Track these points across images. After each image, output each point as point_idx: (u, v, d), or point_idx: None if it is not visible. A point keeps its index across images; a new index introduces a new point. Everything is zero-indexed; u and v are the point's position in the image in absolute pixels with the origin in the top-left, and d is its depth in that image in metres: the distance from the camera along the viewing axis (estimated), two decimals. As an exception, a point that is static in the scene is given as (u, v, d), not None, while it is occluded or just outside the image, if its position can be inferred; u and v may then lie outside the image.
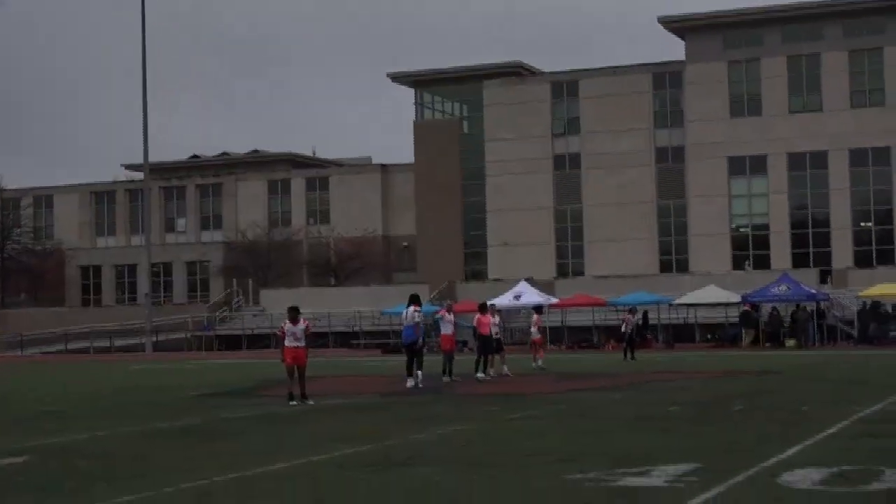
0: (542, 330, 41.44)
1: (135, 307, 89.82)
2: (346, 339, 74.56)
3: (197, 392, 28.91)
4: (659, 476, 11.62)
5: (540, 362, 38.68)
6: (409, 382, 28.18)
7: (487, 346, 32.38)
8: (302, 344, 23.57)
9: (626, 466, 12.37)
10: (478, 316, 32.89)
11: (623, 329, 48.03)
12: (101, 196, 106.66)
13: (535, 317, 41.18)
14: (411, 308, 29.00)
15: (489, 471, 12.45)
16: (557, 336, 67.52)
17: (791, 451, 13.51)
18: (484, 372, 31.81)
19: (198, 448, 15.52)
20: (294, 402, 22.99)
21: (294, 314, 23.85)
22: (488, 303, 38.33)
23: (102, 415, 22.14)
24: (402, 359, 54.19)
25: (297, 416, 20.49)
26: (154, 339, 78.48)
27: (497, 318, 35.49)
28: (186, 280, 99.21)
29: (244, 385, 31.85)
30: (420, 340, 28.98)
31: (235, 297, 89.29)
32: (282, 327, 23.83)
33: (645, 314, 63.68)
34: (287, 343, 23.47)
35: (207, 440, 16.58)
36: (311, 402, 23.15)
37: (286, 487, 11.61)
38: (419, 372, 28.59)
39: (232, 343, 79.33)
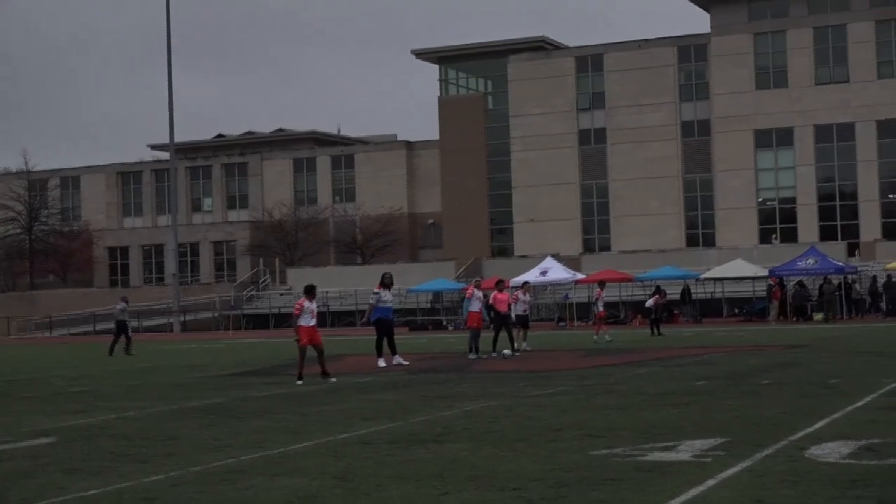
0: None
1: (162, 287, 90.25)
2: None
3: (224, 371, 29.01)
4: (686, 450, 11.59)
5: (607, 336, 39.56)
6: (381, 362, 28.19)
7: (504, 323, 32.23)
8: (315, 322, 23.34)
9: (653, 441, 12.34)
10: (494, 293, 32.77)
11: (647, 305, 48.30)
12: (128, 177, 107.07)
13: (598, 291, 42.13)
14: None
15: (517, 446, 12.44)
16: (585, 312, 67.47)
17: (819, 425, 13.45)
18: (510, 349, 31.75)
19: (225, 427, 15.55)
20: (300, 382, 22.73)
21: (313, 292, 23.54)
22: (522, 279, 38.99)
23: (130, 395, 22.24)
24: (430, 336, 54.48)
25: (323, 395, 20.52)
26: (182, 318, 78.88)
27: (528, 296, 36.19)
28: (213, 260, 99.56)
29: (271, 364, 31.96)
30: (367, 320, 29.17)
31: (262, 276, 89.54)
32: (299, 304, 23.19)
33: (686, 289, 63.71)
34: (303, 322, 23.08)
35: (235, 419, 16.63)
36: (333, 380, 23.03)
37: (313, 465, 11.62)
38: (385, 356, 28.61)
39: (259, 322, 79.64)
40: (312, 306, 23.16)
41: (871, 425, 13.34)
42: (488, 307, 32.27)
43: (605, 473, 10.36)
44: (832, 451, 11.24)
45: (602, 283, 44.68)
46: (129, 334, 42.87)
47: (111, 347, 42.02)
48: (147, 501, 9.77)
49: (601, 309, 41.64)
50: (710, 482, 9.75)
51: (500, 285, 33.20)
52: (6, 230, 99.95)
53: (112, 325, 45.68)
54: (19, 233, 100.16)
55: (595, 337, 39.94)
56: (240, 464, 11.81)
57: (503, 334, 31.97)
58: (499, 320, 32.15)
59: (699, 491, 9.37)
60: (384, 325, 28.53)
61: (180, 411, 18.25)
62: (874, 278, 61.94)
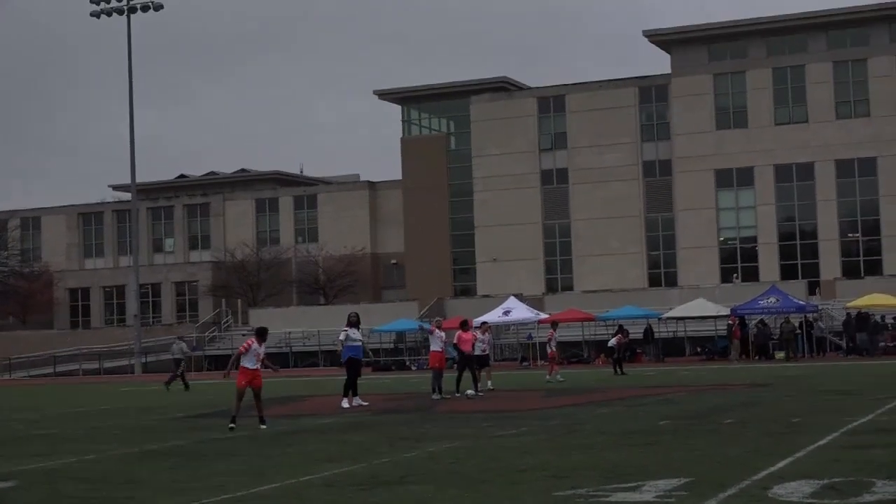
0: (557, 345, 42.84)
1: (124, 328, 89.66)
2: (335, 359, 74.32)
3: (186, 413, 28.80)
4: (650, 491, 11.59)
5: (558, 376, 39.76)
6: (345, 403, 28.01)
7: (468, 363, 32.30)
8: (259, 366, 22.17)
9: (617, 482, 12.33)
10: (459, 332, 32.81)
11: (610, 344, 48.49)
12: (89, 217, 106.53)
13: (550, 331, 42.53)
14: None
15: (480, 487, 12.40)
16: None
17: (782, 464, 13.48)
18: (473, 389, 31.72)
19: (187, 469, 15.44)
20: (233, 426, 21.64)
21: (264, 335, 22.52)
22: (481, 320, 39.18)
23: (91, 437, 22.04)
24: (394, 377, 54.38)
25: (286, 436, 20.41)
26: (143, 360, 78.34)
27: (488, 336, 36.29)
28: (175, 300, 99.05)
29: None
30: (343, 360, 28.78)
31: (224, 316, 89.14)
32: (247, 344, 22.03)
33: (648, 329, 63.89)
34: (246, 364, 21.91)
35: (197, 461, 16.51)
36: (264, 427, 21.84)
37: (276, 508, 11.55)
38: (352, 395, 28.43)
39: (221, 363, 79.03)
40: (260, 350, 22.03)
41: (834, 464, 13.38)
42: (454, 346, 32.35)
43: (569, 514, 10.34)
44: (795, 491, 11.26)
45: (554, 324, 45.19)
46: (180, 372, 46.08)
47: (173, 381, 45.64)
48: (108, 546, 9.68)
49: (552, 349, 41.85)
50: (674, 523, 9.74)
51: (464, 325, 33.25)
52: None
53: (170, 360, 50.13)
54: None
55: (548, 377, 40.04)
56: (202, 507, 11.72)
57: (467, 374, 31.97)
58: (463, 360, 32.18)
59: (663, 532, 9.36)
60: (354, 364, 28.39)
61: (142, 454, 18.11)
62: (849, 314, 61.36)
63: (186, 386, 44.84)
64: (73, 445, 20.13)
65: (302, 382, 48.76)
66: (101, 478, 14.89)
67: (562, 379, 39.70)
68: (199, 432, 21.86)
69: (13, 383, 70.60)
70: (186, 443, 19.76)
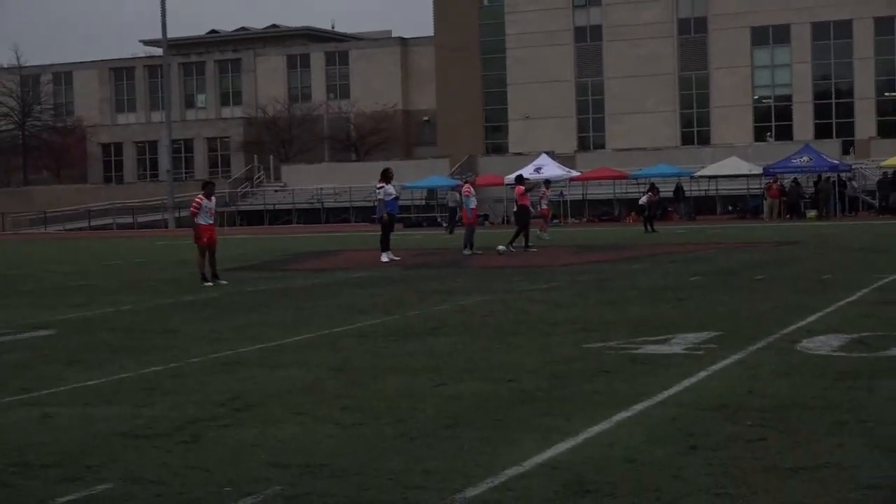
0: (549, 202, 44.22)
1: (156, 184, 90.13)
2: (367, 214, 74.76)
3: (219, 267, 29.06)
4: (679, 343, 11.73)
5: (546, 235, 40.59)
6: (384, 257, 28.26)
7: (527, 218, 32.71)
8: (213, 221, 22.68)
9: (646, 335, 12.47)
10: (519, 187, 33.69)
11: (641, 202, 48.61)
12: (121, 72, 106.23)
13: (542, 189, 43.06)
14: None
15: (511, 339, 12.56)
16: (578, 209, 67.61)
17: (811, 319, 13.59)
18: (507, 245, 31.77)
19: (222, 321, 15.67)
20: (209, 284, 22.08)
21: (211, 189, 22.97)
22: (544, 178, 40.60)
23: (127, 289, 22.33)
24: (423, 232, 54.65)
25: (318, 290, 20.65)
26: (176, 214, 78.87)
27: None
28: (207, 156, 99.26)
29: (266, 259, 32.08)
30: (381, 215, 29.05)
31: (256, 172, 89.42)
32: (197, 201, 22.33)
33: (679, 187, 63.83)
34: (202, 220, 22.36)
35: (231, 313, 16.75)
36: (224, 282, 22.33)
37: (310, 356, 11.75)
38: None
39: (253, 218, 79.73)
40: (211, 205, 22.51)
41: (863, 319, 13.48)
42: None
43: (599, 366, 10.49)
44: (824, 344, 11.37)
45: (547, 182, 45.97)
46: (458, 219, 47.80)
47: (453, 227, 50.38)
48: (147, 391, 9.90)
49: (544, 206, 42.73)
50: (703, 374, 9.88)
51: (520, 180, 34.49)
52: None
53: None
54: (12, 128, 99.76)
55: (539, 232, 40.42)
56: (238, 356, 11.94)
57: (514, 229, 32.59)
58: (522, 214, 32.56)
59: (691, 382, 9.50)
60: (390, 219, 28.70)
61: (177, 305, 18.39)
62: (885, 174, 60.84)
63: (451, 230, 49.65)
64: (110, 296, 20.44)
65: (334, 237, 49.10)
66: (138, 327, 15.16)
67: (548, 237, 40.06)
68: (233, 285, 22.10)
69: (49, 236, 71.33)
70: (220, 295, 20.01)
